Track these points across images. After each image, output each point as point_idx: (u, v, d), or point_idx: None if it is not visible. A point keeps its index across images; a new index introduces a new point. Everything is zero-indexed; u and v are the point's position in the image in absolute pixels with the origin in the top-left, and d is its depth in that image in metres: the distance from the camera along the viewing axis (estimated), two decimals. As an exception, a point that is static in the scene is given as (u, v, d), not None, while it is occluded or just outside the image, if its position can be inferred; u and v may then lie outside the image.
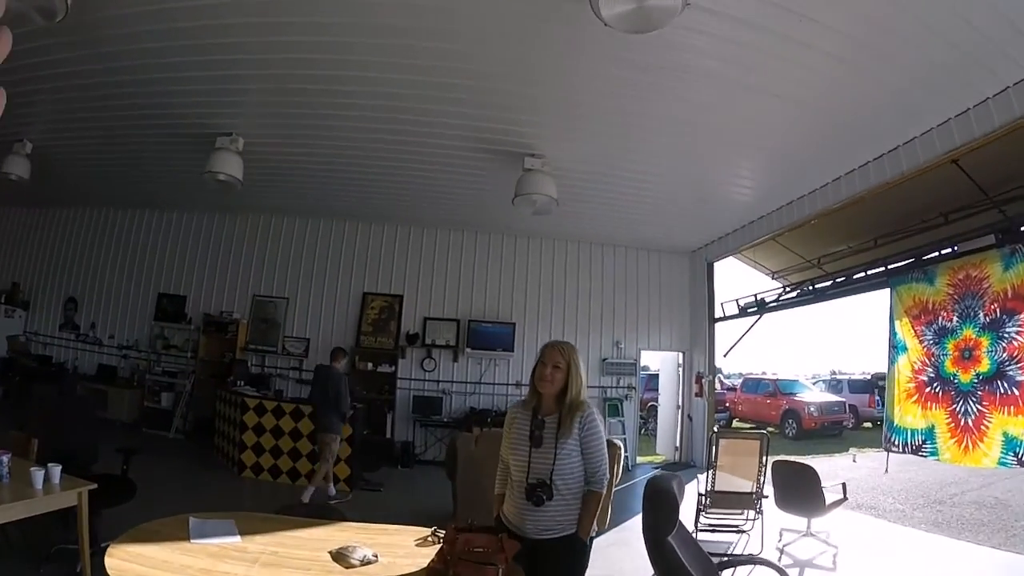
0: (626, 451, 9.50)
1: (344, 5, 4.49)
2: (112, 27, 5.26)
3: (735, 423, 16.87)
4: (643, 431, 13.47)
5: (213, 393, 9.28)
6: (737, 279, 46.30)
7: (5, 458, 3.33)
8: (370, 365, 9.92)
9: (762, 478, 5.82)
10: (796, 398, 15.97)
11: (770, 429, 13.24)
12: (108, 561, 2.28)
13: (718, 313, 10.28)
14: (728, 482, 5.86)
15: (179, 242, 10.98)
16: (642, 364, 11.50)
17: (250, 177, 7.37)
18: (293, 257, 10.59)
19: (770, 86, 5.05)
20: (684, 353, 10.98)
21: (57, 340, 11.40)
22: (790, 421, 15.49)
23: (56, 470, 3.41)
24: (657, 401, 12.61)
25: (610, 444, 3.01)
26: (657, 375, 12.95)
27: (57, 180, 9.47)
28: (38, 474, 3.28)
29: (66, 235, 11.75)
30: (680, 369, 11.09)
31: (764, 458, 5.83)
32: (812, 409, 15.32)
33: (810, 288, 8.58)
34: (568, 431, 2.55)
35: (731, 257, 10.39)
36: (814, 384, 18.99)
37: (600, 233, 10.12)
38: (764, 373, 20.35)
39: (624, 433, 10.18)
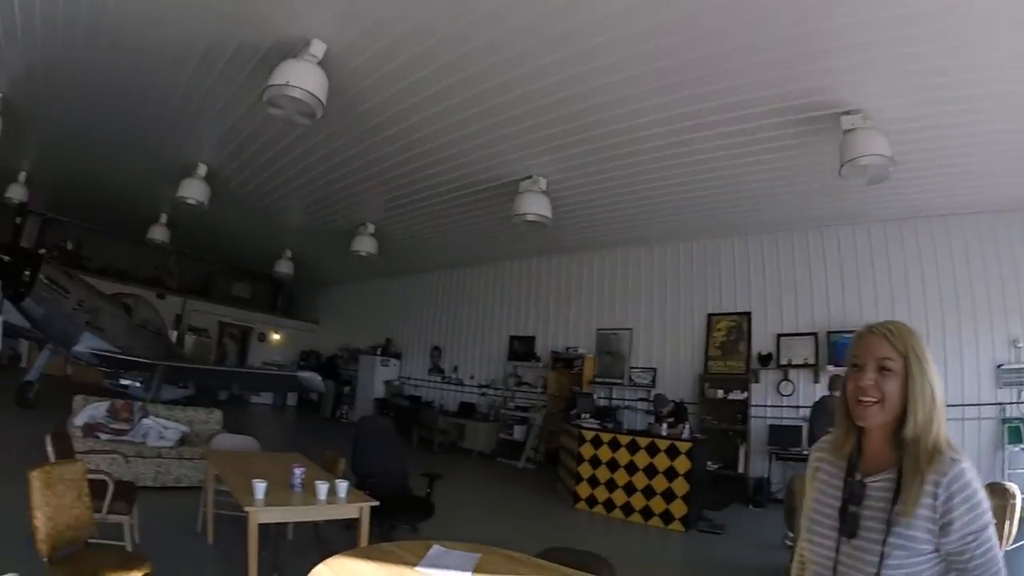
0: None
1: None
2: (391, 109, 6.12)
3: None
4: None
5: (559, 426, 9.47)
6: None
7: (299, 471, 3.75)
8: (720, 392, 9.03)
9: None
10: None
11: None
12: (320, 568, 2.19)
13: None
14: None
15: (524, 286, 11.97)
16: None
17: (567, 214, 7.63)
18: (631, 286, 10.48)
19: None
20: None
21: (426, 382, 13.37)
22: None
23: (342, 485, 3.68)
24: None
25: (997, 489, 1.69)
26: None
27: (399, 251, 11.25)
28: (322, 487, 3.58)
29: (426, 294, 14.07)
30: None
31: None
32: None
33: None
34: (912, 507, 1.28)
35: None
36: None
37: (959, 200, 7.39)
38: None
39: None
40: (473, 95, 5.64)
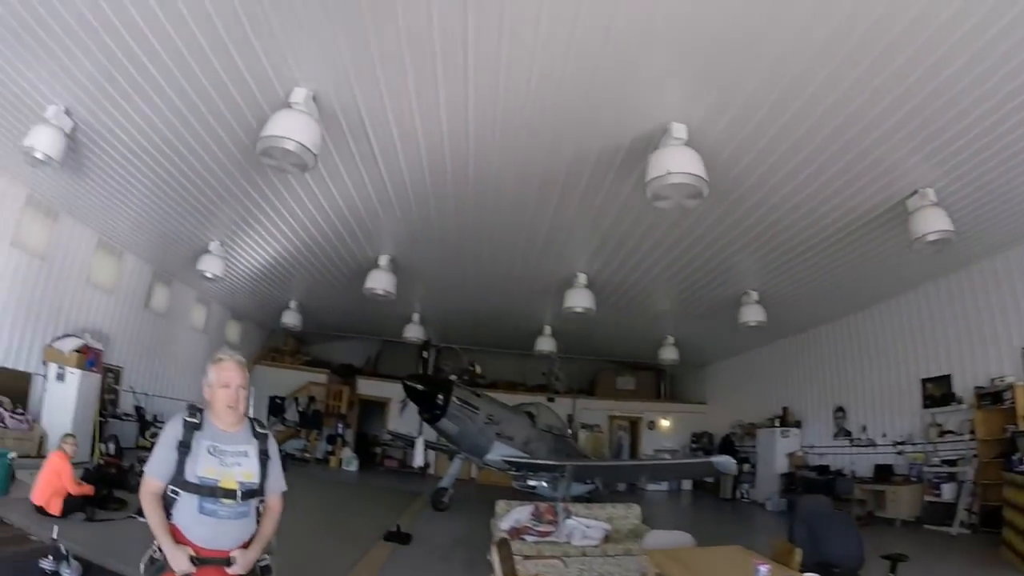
0: None
1: None
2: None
3: None
4: None
5: (998, 476, 7.40)
6: None
7: (764, 568, 3.18)
8: None
9: None
10: None
11: None
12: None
13: None
14: None
15: (924, 317, 9.96)
16: None
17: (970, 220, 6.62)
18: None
19: None
20: None
21: (832, 448, 11.87)
22: None
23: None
24: None
25: None
26: None
27: (786, 311, 10.67)
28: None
29: (818, 352, 12.74)
30: None
31: None
32: None
33: None
34: None
35: None
36: None
37: None
38: None
39: None
40: (838, 123, 5.21)
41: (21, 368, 9.13)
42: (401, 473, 16.45)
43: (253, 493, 2.40)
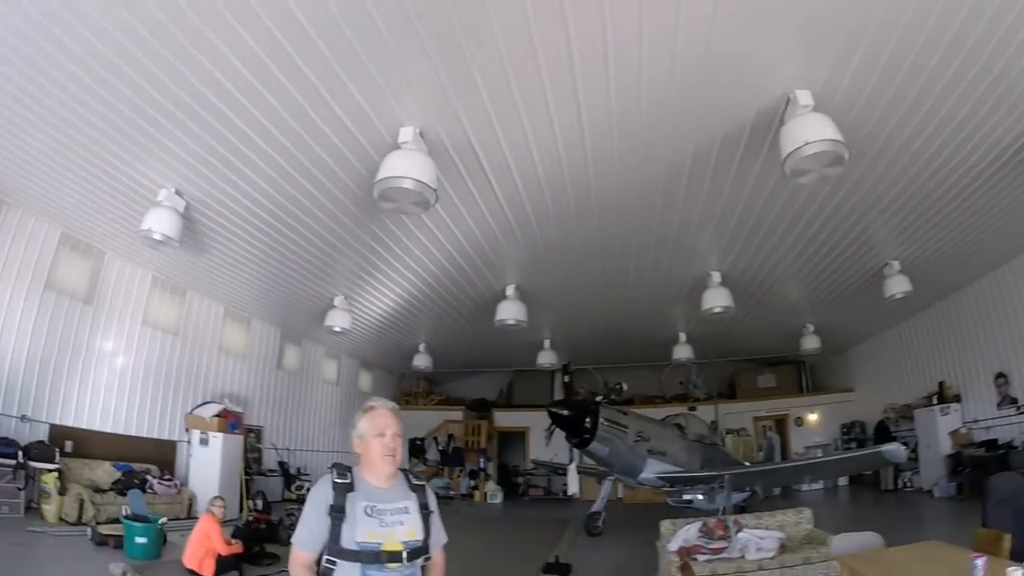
0: None
1: None
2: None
3: None
4: None
5: None
6: None
7: (979, 562, 2.81)
8: None
9: None
10: None
11: None
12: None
13: None
14: None
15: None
16: None
17: None
18: None
19: None
20: None
21: (998, 420, 10.57)
22: None
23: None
24: None
25: None
26: None
27: (934, 275, 9.80)
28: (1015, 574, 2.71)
29: (968, 316, 11.41)
30: None
31: None
32: None
33: None
34: None
35: None
36: None
37: None
38: None
39: None
40: (966, 54, 4.72)
41: (166, 437, 10.20)
42: (547, 501, 16.53)
43: (419, 552, 2.20)
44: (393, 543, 2.13)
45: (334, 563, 2.08)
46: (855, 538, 4.70)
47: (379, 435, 2.25)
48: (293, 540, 2.18)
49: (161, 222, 6.63)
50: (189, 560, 6.01)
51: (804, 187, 6.03)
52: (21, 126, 5.83)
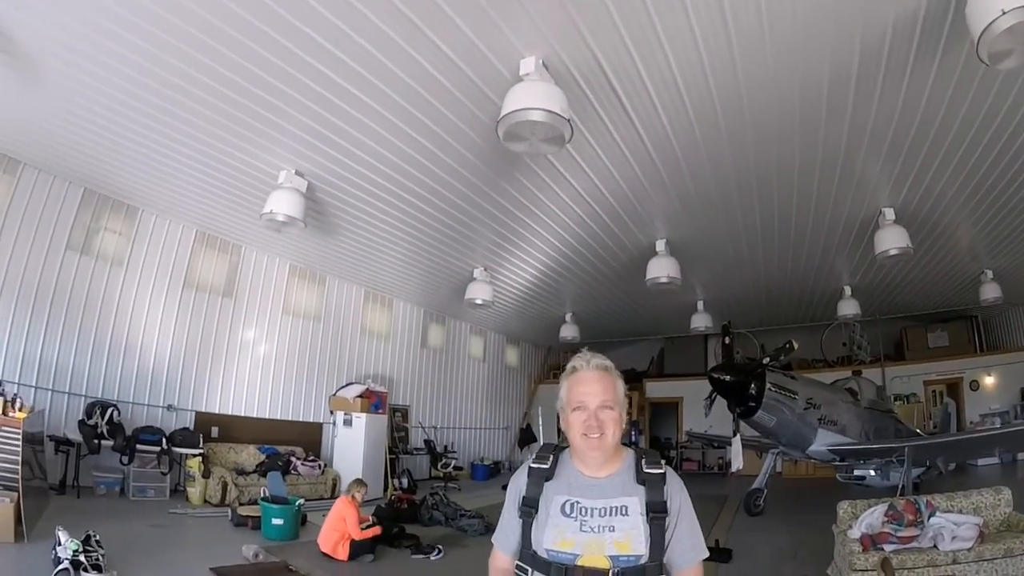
0: None
1: None
2: None
3: None
4: None
5: None
6: None
7: None
8: None
9: None
10: None
11: None
12: None
13: None
14: None
15: None
16: None
17: None
18: None
19: None
20: None
21: None
22: None
23: None
24: None
25: None
26: None
27: None
28: None
29: None
30: None
31: None
32: None
33: None
34: None
35: None
36: None
37: None
38: None
39: None
40: None
41: (311, 419, 10.56)
42: (701, 476, 15.73)
43: (638, 573, 1.54)
44: (595, 557, 1.53)
45: (525, 571, 1.61)
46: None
47: (577, 408, 1.64)
48: (493, 536, 1.77)
49: (282, 203, 6.56)
50: (324, 543, 5.97)
51: (990, 90, 4.73)
52: (143, 133, 6.00)
